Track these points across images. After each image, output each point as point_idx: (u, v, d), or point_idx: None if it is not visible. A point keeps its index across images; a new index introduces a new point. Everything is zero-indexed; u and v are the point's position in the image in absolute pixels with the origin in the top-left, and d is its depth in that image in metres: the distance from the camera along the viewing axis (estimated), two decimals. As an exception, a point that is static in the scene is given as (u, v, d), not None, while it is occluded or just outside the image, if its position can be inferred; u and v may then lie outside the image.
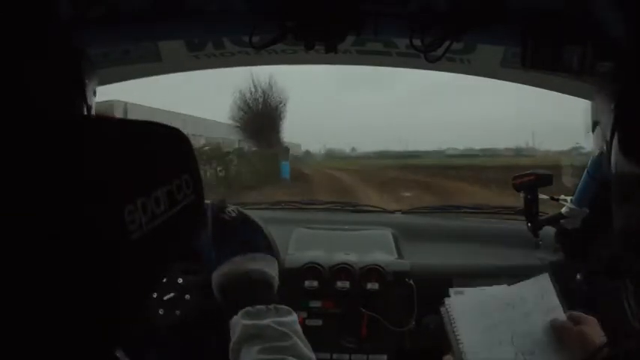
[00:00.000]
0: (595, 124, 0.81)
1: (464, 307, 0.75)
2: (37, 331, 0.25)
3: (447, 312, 0.75)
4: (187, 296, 0.88)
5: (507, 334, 0.72)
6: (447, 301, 0.76)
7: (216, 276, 0.76)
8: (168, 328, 0.88)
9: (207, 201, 0.81)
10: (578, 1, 0.72)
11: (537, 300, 0.75)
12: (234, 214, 0.80)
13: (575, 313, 0.75)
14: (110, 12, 0.79)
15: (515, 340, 0.71)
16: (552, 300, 0.75)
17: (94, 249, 0.27)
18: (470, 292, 0.78)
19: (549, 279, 0.76)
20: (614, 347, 0.63)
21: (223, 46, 1.00)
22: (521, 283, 0.77)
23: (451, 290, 0.77)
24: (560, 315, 0.73)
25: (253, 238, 0.81)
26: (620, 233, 0.49)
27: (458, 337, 0.72)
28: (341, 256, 1.15)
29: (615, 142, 0.46)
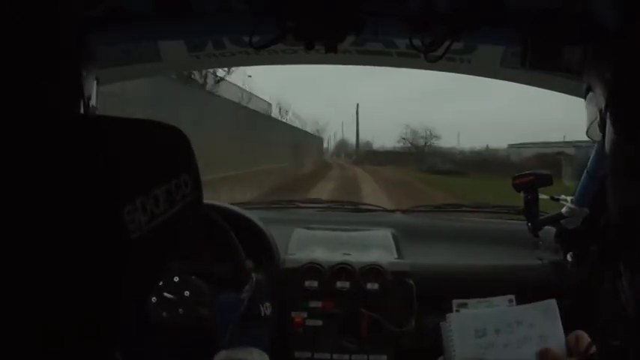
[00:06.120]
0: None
1: (464, 322, 0.74)
2: (35, 331, 0.25)
3: (448, 327, 0.73)
4: (187, 293, 0.88)
5: (500, 357, 0.70)
6: (448, 317, 0.74)
7: None
8: (169, 328, 0.88)
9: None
10: (578, 1, 0.72)
11: (538, 325, 0.73)
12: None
13: (578, 332, 0.72)
14: (110, 12, 0.79)
15: None
16: (554, 327, 0.73)
17: (94, 249, 0.27)
18: (473, 304, 0.76)
19: (556, 305, 0.74)
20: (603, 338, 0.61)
21: (223, 46, 1.00)
22: (527, 305, 0.75)
23: (454, 302, 0.75)
24: (560, 343, 0.71)
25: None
26: (616, 211, 0.48)
27: (453, 354, 0.71)
28: (341, 256, 1.15)
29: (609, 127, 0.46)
